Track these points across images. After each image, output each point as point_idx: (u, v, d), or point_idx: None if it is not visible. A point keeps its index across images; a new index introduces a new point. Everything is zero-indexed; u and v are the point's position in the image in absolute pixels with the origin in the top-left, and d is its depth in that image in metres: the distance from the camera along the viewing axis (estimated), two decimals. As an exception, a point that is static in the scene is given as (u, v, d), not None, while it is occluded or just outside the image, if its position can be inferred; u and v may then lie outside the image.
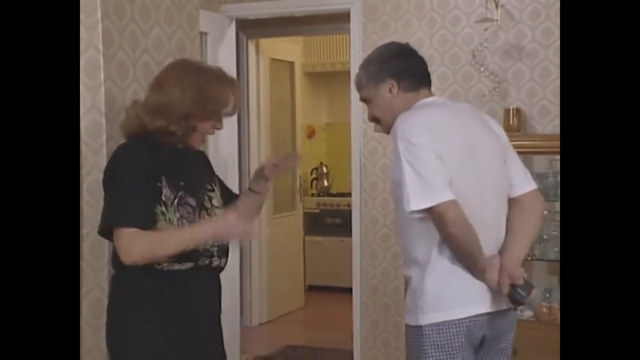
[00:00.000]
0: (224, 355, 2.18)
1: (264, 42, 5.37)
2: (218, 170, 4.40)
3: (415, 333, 2.02)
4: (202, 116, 2.01)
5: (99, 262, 2.49)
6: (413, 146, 1.97)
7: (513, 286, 1.99)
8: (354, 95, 4.28)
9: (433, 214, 1.95)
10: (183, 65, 2.10)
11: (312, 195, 6.62)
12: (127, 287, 1.99)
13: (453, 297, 2.00)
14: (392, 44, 2.27)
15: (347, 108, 4.39)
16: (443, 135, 2.01)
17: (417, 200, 1.94)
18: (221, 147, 4.37)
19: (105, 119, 2.55)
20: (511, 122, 3.77)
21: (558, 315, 3.49)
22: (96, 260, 2.49)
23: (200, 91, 1.99)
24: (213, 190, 2.13)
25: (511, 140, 3.83)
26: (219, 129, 2.07)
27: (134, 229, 1.88)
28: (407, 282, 2.16)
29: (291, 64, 5.95)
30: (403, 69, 2.13)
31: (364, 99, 2.22)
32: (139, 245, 1.88)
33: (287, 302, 5.64)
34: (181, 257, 1.94)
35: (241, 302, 4.81)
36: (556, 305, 3.56)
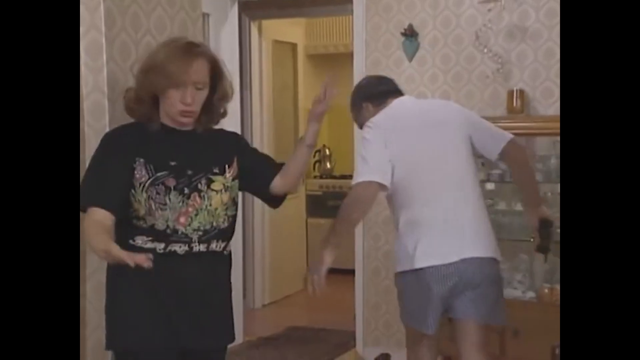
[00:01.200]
0: (225, 340, 2.16)
1: (267, 23, 5.35)
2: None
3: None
4: (150, 88, 2.01)
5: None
6: (364, 139, 2.53)
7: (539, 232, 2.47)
8: (357, 77, 4.29)
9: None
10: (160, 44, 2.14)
11: (315, 177, 6.62)
12: (112, 270, 2.03)
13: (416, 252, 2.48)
14: (359, 83, 2.90)
15: (349, 90, 4.37)
16: (394, 128, 2.52)
17: (356, 176, 2.48)
18: (223, 128, 4.37)
19: (107, 101, 2.55)
20: (514, 104, 3.76)
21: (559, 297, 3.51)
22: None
23: (147, 62, 2.02)
24: (221, 173, 2.08)
25: (514, 122, 3.85)
26: (185, 104, 2.00)
27: (91, 209, 1.90)
28: None
29: (294, 45, 5.93)
30: (370, 91, 2.73)
31: (355, 122, 2.80)
32: (85, 226, 1.89)
33: (289, 284, 5.67)
34: (153, 236, 1.97)
35: (244, 284, 4.84)
36: (558, 286, 3.58)
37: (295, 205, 5.72)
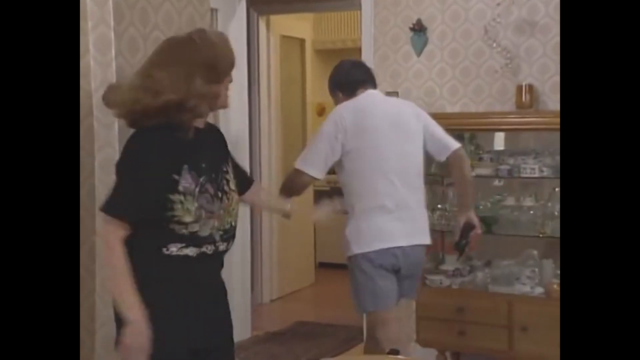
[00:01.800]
0: (231, 336, 2.16)
1: (275, 18, 5.34)
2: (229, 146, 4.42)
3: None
4: (213, 80, 1.95)
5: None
6: (321, 130, 2.85)
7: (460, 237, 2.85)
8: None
9: None
10: (169, 40, 2.06)
11: (323, 173, 6.61)
12: (141, 269, 1.92)
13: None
14: (335, 66, 3.06)
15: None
16: (354, 123, 2.81)
17: (297, 159, 2.88)
18: (232, 123, 4.38)
19: (116, 95, 2.56)
20: (523, 99, 3.75)
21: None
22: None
23: (201, 57, 1.94)
24: (228, 172, 2.07)
25: (523, 117, 3.83)
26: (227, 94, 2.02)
27: (116, 224, 1.88)
28: None
29: (302, 41, 5.93)
30: (340, 81, 2.96)
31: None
32: (107, 243, 1.89)
33: (297, 279, 5.68)
34: (191, 242, 1.94)
35: (252, 279, 4.85)
36: (567, 282, 3.57)
37: (303, 200, 5.71)
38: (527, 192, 3.83)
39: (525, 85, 3.75)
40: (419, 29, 4.04)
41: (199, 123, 2.01)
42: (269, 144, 5.27)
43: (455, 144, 2.95)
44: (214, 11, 3.96)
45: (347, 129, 2.80)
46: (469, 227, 2.88)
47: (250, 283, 4.74)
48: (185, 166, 1.92)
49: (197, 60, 1.93)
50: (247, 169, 4.54)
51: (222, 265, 2.10)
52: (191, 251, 1.95)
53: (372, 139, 2.82)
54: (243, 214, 4.52)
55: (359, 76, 2.98)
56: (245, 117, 4.54)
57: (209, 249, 1.98)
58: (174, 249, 1.93)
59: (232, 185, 2.06)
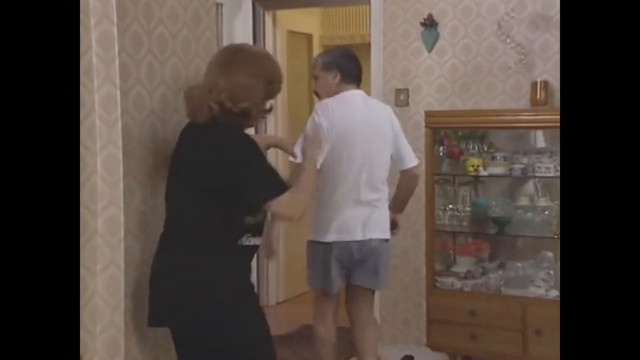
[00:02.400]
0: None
1: (281, 13, 5.33)
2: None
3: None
4: (270, 96, 2.31)
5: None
6: (312, 120, 3.05)
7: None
8: (375, 68, 4.27)
9: None
10: (239, 49, 2.42)
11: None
12: (220, 261, 2.16)
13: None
14: (347, 51, 3.26)
15: (367, 81, 4.36)
16: (335, 116, 3.06)
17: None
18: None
19: (120, 92, 2.55)
20: (538, 96, 3.73)
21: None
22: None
23: (269, 72, 2.30)
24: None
25: (537, 114, 3.80)
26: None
27: (286, 194, 2.18)
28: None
29: (309, 36, 5.91)
30: (346, 68, 3.15)
31: (315, 77, 3.21)
32: (296, 202, 2.22)
33: (304, 282, 5.66)
34: (257, 232, 2.25)
35: (258, 281, 4.85)
36: (582, 284, 3.55)
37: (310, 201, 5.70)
38: (542, 191, 3.81)
39: (540, 82, 3.73)
40: (429, 24, 4.02)
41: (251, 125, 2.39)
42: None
43: (413, 161, 3.26)
44: (219, 6, 3.96)
45: (333, 125, 3.04)
46: (395, 225, 3.35)
47: (257, 285, 4.73)
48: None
49: (265, 74, 2.28)
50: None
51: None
52: (255, 241, 2.26)
53: (350, 139, 3.07)
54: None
55: (358, 74, 3.21)
56: (251, 115, 4.54)
57: (259, 239, 2.28)
58: (245, 241, 2.21)
59: None
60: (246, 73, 2.24)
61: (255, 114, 2.27)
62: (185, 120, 2.51)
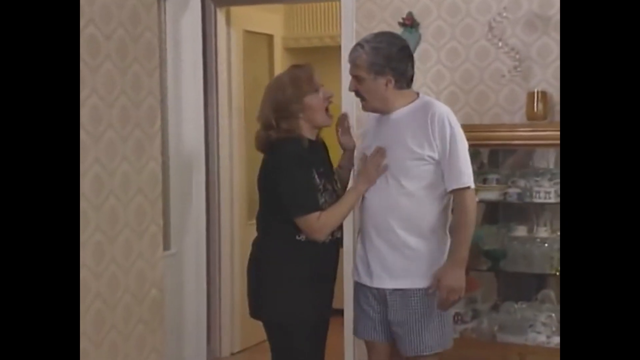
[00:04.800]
0: (331, 305, 3.14)
1: (236, 11, 5.35)
2: (181, 166, 4.37)
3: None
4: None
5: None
6: (463, 139, 2.93)
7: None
8: (346, 75, 4.29)
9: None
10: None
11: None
12: (279, 252, 2.99)
13: None
14: (400, 39, 3.07)
15: (337, 90, 4.38)
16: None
17: (471, 178, 2.92)
18: (184, 134, 4.35)
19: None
20: (535, 109, 3.78)
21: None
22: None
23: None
24: (334, 173, 3.14)
25: (535, 130, 3.84)
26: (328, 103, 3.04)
27: (316, 214, 2.89)
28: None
29: (269, 37, 5.93)
30: (402, 70, 2.95)
31: (355, 76, 2.99)
32: (326, 225, 2.91)
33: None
34: None
35: (208, 326, 4.79)
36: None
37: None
38: (541, 220, 3.85)
39: (538, 93, 3.78)
40: (410, 24, 4.07)
41: (312, 135, 3.05)
42: (230, 156, 5.24)
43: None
44: (161, 2, 3.95)
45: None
46: None
47: (207, 331, 4.68)
48: (314, 169, 2.96)
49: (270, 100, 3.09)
50: (203, 188, 4.55)
51: (339, 250, 3.11)
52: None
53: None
54: (196, 242, 4.50)
55: (413, 69, 3.03)
56: (200, 127, 4.51)
57: (329, 236, 2.97)
58: (302, 237, 2.94)
59: (340, 184, 3.13)
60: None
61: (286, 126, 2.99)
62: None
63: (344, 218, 3.01)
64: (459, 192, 2.89)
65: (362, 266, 3.06)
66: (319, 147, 3.10)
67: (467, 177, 2.88)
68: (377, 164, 2.94)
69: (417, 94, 3.03)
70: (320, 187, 2.97)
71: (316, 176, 2.96)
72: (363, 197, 3.03)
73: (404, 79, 2.95)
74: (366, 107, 3.05)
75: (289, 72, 3.09)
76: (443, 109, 2.94)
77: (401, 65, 2.93)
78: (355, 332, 3.15)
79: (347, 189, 3.12)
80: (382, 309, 3.00)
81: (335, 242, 3.06)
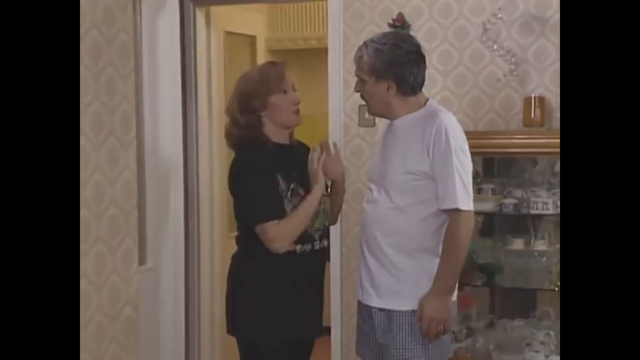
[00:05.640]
0: (321, 325, 3.17)
1: (217, 10, 5.34)
2: (158, 176, 4.35)
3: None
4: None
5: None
6: (464, 155, 2.82)
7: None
8: (333, 79, 4.30)
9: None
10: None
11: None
12: (249, 264, 3.02)
13: None
14: (410, 41, 2.94)
15: (324, 95, 4.39)
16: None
17: (464, 200, 2.77)
18: (161, 141, 4.34)
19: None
20: (533, 115, 3.79)
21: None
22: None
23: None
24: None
25: (532, 138, 3.85)
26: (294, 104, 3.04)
27: (274, 222, 2.89)
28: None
29: (252, 38, 5.93)
30: (407, 76, 2.86)
31: (358, 77, 2.95)
32: (284, 234, 2.89)
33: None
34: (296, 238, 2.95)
35: (187, 347, 4.76)
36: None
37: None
38: (540, 232, 3.85)
39: (535, 98, 3.80)
40: (400, 25, 4.08)
41: (284, 139, 3.06)
42: (210, 163, 5.22)
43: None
44: (137, 1, 3.95)
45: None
46: None
47: (185, 351, 4.66)
48: (279, 174, 2.96)
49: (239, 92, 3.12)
50: (181, 198, 4.53)
51: (324, 262, 3.15)
52: (298, 247, 2.95)
53: None
54: (174, 257, 4.48)
55: (425, 73, 2.95)
56: (178, 134, 4.50)
57: (307, 246, 2.98)
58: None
59: (324, 192, 3.06)
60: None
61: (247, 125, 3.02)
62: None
63: (303, 226, 2.95)
64: (451, 213, 2.78)
65: (357, 280, 3.03)
66: (292, 150, 3.09)
67: (460, 198, 2.75)
68: (320, 160, 2.98)
69: (426, 100, 2.96)
70: (287, 192, 2.96)
71: (282, 181, 2.96)
72: (363, 208, 2.98)
73: (408, 86, 2.86)
74: (370, 111, 3.05)
75: (260, 67, 3.17)
76: (444, 121, 2.82)
77: (404, 70, 2.84)
78: (355, 350, 3.11)
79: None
80: (371, 327, 2.95)
81: (317, 253, 3.04)
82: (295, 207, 2.94)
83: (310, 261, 3.02)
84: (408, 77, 2.85)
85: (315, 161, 2.99)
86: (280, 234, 2.89)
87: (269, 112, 3.00)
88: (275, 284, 2.97)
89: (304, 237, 2.98)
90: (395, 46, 2.86)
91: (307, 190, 3.00)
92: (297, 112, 3.06)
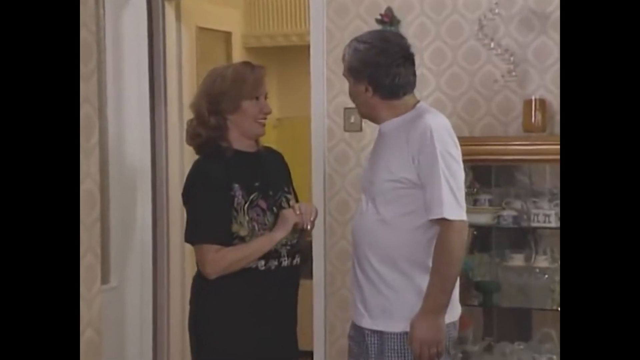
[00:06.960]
0: (295, 345, 3.12)
1: (188, 4, 5.34)
2: (123, 185, 4.34)
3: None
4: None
5: None
6: (453, 160, 2.78)
7: None
8: (315, 80, 4.30)
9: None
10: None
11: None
12: (208, 286, 2.94)
13: None
14: (394, 41, 2.93)
15: (305, 97, 4.39)
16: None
17: (453, 209, 2.73)
18: (127, 151, 4.33)
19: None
20: (533, 119, 3.80)
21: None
22: None
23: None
24: (290, 192, 3.10)
25: (532, 143, 3.86)
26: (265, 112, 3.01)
27: (214, 246, 2.86)
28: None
29: (227, 35, 5.94)
30: (382, 77, 2.85)
31: (344, 75, 2.97)
32: (219, 262, 2.87)
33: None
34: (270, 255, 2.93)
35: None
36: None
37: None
38: (542, 247, 3.86)
39: (536, 100, 3.81)
40: (388, 21, 4.09)
41: (249, 147, 3.03)
42: (181, 170, 5.20)
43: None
44: (101, -6, 3.94)
45: None
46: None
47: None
48: (236, 185, 2.92)
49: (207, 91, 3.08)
50: (149, 210, 4.51)
51: (295, 281, 3.06)
52: (259, 264, 2.92)
53: None
54: (140, 274, 4.45)
55: (414, 75, 2.96)
56: (146, 139, 4.49)
57: (272, 263, 2.93)
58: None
59: (292, 204, 3.04)
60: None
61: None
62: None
63: (247, 263, 2.90)
64: (440, 223, 2.74)
65: (351, 298, 3.02)
66: (257, 158, 3.05)
67: (448, 207, 2.71)
68: (297, 214, 2.95)
69: (416, 103, 2.94)
70: (245, 204, 2.91)
71: (240, 192, 2.92)
72: (353, 219, 3.03)
73: (385, 88, 2.85)
74: (358, 113, 3.16)
75: (236, 66, 3.08)
76: (430, 123, 2.80)
77: (379, 72, 2.83)
78: None
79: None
80: (364, 350, 2.93)
81: (285, 270, 2.99)
82: (252, 220, 2.90)
83: (276, 280, 2.97)
84: (384, 79, 2.84)
85: (294, 213, 2.96)
86: (215, 261, 2.88)
87: (237, 117, 2.96)
88: (237, 306, 2.95)
89: (268, 253, 2.94)
90: (371, 46, 2.86)
91: (270, 201, 2.97)
92: (264, 123, 3.03)
